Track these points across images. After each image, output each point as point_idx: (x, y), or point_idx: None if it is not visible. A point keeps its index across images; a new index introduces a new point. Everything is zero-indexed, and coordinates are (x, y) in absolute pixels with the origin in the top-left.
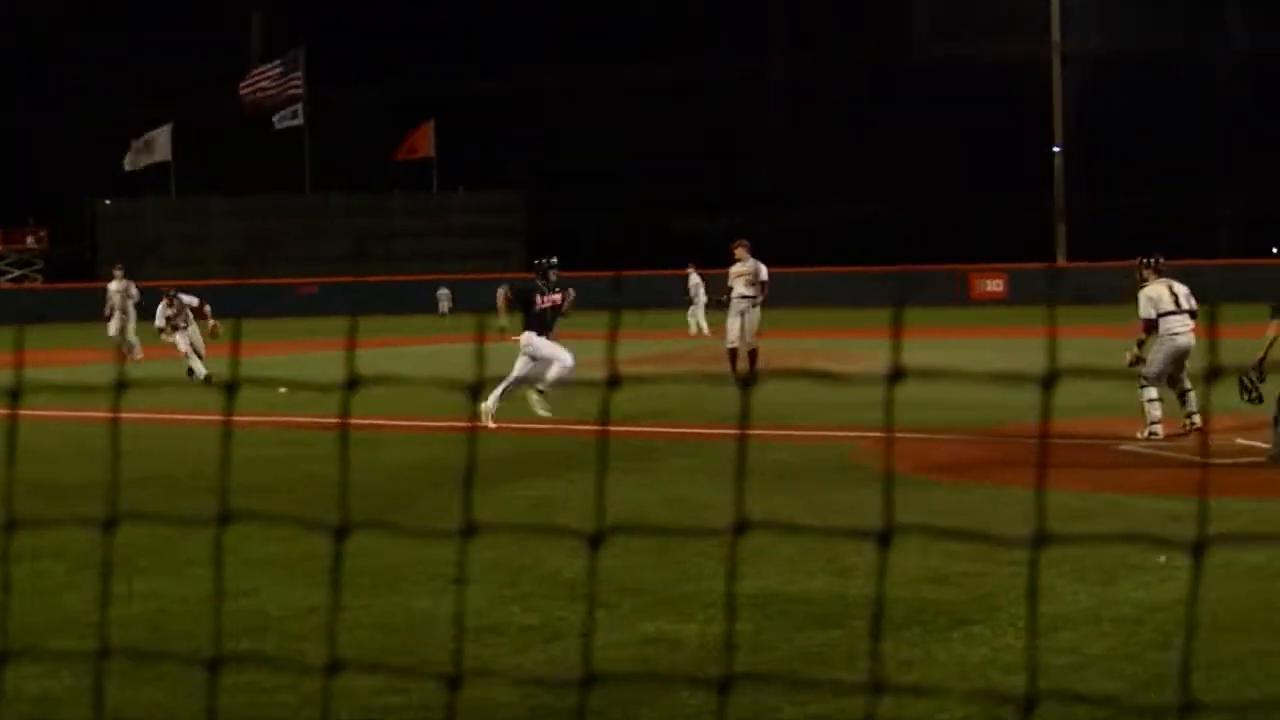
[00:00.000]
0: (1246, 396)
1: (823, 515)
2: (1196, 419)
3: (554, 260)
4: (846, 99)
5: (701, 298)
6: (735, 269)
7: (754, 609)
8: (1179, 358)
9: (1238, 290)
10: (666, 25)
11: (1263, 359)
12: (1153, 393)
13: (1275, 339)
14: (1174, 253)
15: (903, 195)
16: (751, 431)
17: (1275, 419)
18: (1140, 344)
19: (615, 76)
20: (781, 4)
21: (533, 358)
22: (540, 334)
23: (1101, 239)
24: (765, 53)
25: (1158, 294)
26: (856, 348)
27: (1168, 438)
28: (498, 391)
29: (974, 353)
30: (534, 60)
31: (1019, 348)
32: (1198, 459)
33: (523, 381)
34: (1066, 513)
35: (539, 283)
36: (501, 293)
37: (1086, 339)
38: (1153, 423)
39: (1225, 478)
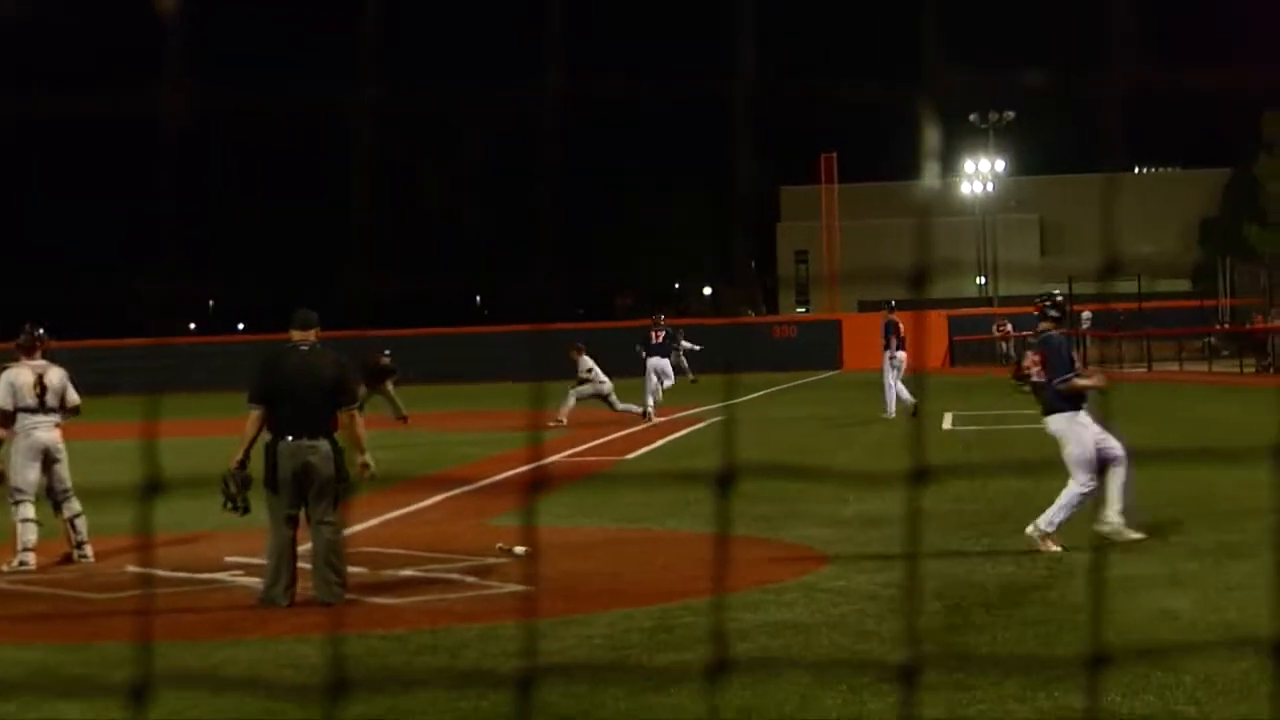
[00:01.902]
0: (230, 506)
1: None
2: (89, 550)
3: (1059, 295)
4: None
5: None
6: None
7: None
8: (41, 458)
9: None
10: None
11: (244, 458)
12: (26, 511)
13: (261, 430)
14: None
15: None
16: None
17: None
18: None
19: None
20: None
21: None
22: (1075, 409)
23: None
24: None
25: (21, 381)
26: None
27: (44, 568)
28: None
29: None
30: None
31: None
32: (80, 594)
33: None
34: None
35: (1058, 331)
36: (1030, 356)
37: None
38: (24, 549)
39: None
